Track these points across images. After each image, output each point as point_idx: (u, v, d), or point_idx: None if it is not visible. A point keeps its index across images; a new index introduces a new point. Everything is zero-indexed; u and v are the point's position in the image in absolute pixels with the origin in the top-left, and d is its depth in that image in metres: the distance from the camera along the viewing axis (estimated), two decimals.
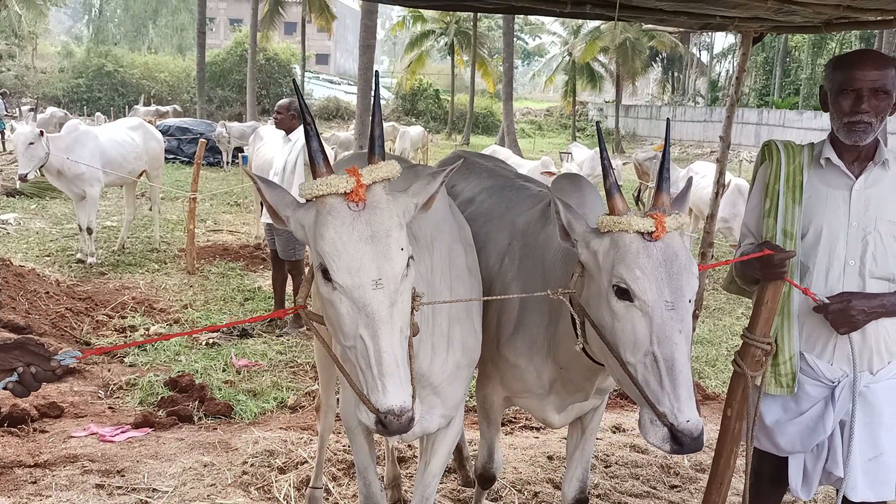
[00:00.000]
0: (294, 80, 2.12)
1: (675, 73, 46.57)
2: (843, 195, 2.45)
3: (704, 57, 48.32)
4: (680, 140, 35.00)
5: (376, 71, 2.51)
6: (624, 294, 1.98)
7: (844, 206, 2.45)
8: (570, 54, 37.30)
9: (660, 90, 47.40)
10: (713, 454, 2.57)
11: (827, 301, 2.37)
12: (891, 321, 2.44)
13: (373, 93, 1.94)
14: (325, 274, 1.75)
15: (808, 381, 2.50)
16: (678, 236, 2.05)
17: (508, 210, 2.99)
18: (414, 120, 35.96)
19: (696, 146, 33.04)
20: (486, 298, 2.56)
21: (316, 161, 1.81)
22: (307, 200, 1.83)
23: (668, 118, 2.46)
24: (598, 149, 2.20)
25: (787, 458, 2.60)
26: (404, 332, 1.79)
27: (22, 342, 1.76)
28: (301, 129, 6.44)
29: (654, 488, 4.03)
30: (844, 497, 2.56)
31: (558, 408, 2.76)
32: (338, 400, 3.05)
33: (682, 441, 1.90)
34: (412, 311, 1.92)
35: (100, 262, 8.56)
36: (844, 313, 2.35)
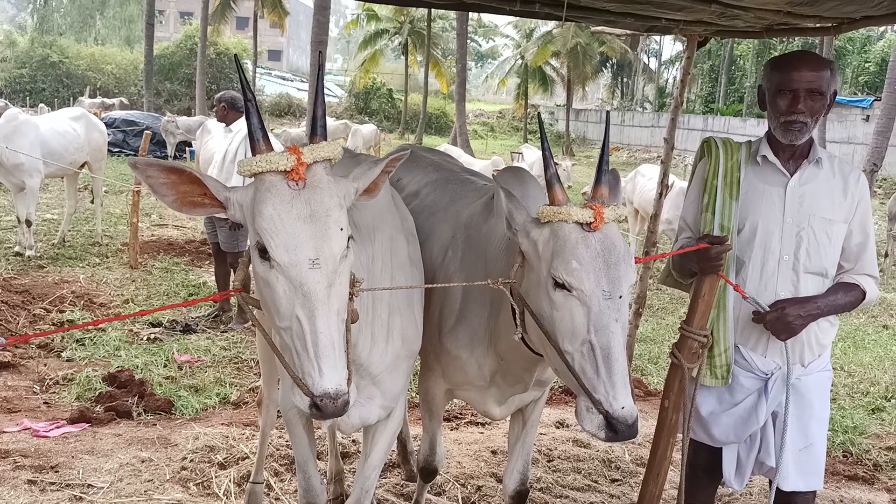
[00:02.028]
0: (236, 56, 2.10)
1: (625, 79, 47.35)
2: (779, 192, 2.53)
3: (653, 64, 49.31)
4: (628, 145, 35.58)
5: (320, 52, 2.48)
6: (562, 284, 2.01)
7: (779, 203, 2.52)
8: (522, 57, 37.61)
9: (609, 95, 48.08)
10: (651, 446, 2.61)
11: (766, 309, 2.44)
12: (821, 320, 2.52)
13: (318, 72, 1.92)
14: (262, 252, 1.73)
15: (742, 372, 2.57)
16: (616, 227, 2.08)
17: (453, 203, 3.00)
18: (367, 119, 35.79)
19: (644, 151, 33.63)
20: (426, 286, 2.57)
21: (256, 138, 1.79)
22: (246, 178, 1.81)
23: (607, 110, 2.51)
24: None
25: (722, 449, 2.66)
26: (341, 314, 1.78)
27: None
28: (241, 120, 6.44)
29: (596, 482, 4.08)
30: (777, 488, 2.64)
31: (499, 400, 2.78)
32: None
33: (617, 428, 1.93)
34: (351, 297, 1.91)
35: (39, 255, 8.30)
36: (782, 321, 2.42)
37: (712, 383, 2.58)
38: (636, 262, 2.16)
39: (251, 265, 1.86)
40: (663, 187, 5.82)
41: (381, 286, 2.30)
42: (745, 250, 2.54)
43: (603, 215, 2.03)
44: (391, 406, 2.51)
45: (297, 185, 1.75)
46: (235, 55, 2.09)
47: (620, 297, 2.00)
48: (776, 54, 2.53)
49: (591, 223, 2.03)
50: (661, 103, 41.54)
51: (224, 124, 6.57)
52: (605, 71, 44.52)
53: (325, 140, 1.85)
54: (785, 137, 2.50)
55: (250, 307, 1.96)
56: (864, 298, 2.56)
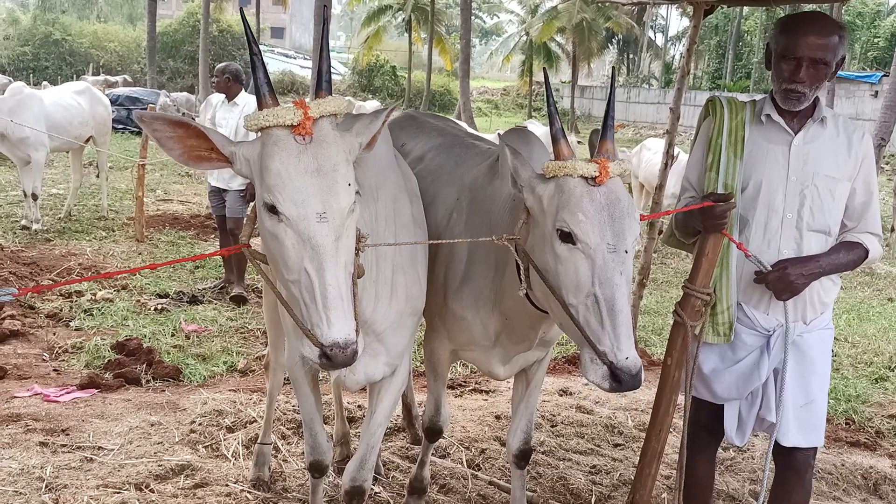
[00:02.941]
0: (241, 9, 2.10)
1: (630, 55, 46.97)
2: (783, 150, 2.53)
3: (659, 40, 48.87)
4: (633, 122, 35.37)
5: (325, 6, 2.48)
6: (567, 237, 2.03)
7: (783, 161, 2.52)
8: (527, 34, 37.30)
9: (616, 82, 47.62)
10: (654, 403, 2.64)
11: (768, 268, 2.45)
12: (823, 278, 2.53)
13: (323, 28, 1.93)
14: (270, 207, 1.75)
15: (744, 330, 2.59)
16: (621, 182, 2.10)
17: (457, 166, 3.02)
18: (370, 96, 35.59)
19: (650, 127, 33.44)
20: (430, 242, 2.59)
21: (262, 92, 1.80)
22: (254, 133, 1.82)
23: (612, 66, 2.51)
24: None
25: (723, 406, 2.69)
26: (348, 268, 1.81)
27: None
28: (244, 94, 6.43)
29: (598, 446, 4.13)
30: (776, 443, 2.67)
31: (503, 360, 2.81)
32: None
33: (621, 378, 1.96)
34: (357, 253, 1.93)
35: (45, 228, 8.35)
36: (783, 280, 2.43)
37: (714, 341, 2.60)
38: (641, 219, 2.18)
39: (258, 221, 1.88)
40: (668, 158, 5.82)
41: (384, 244, 2.32)
42: (749, 209, 2.55)
43: (608, 170, 2.05)
44: (396, 363, 2.54)
45: (303, 139, 1.77)
46: (241, 8, 2.10)
47: (626, 251, 2.02)
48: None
49: (596, 177, 2.04)
50: (667, 79, 41.22)
51: (225, 96, 6.52)
52: (610, 47, 44.18)
53: (331, 95, 1.86)
54: (784, 104, 2.50)
55: (258, 261, 1.98)
56: (866, 257, 2.56)
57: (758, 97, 2.68)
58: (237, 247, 2.01)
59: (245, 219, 2.08)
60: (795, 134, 2.53)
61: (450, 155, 3.14)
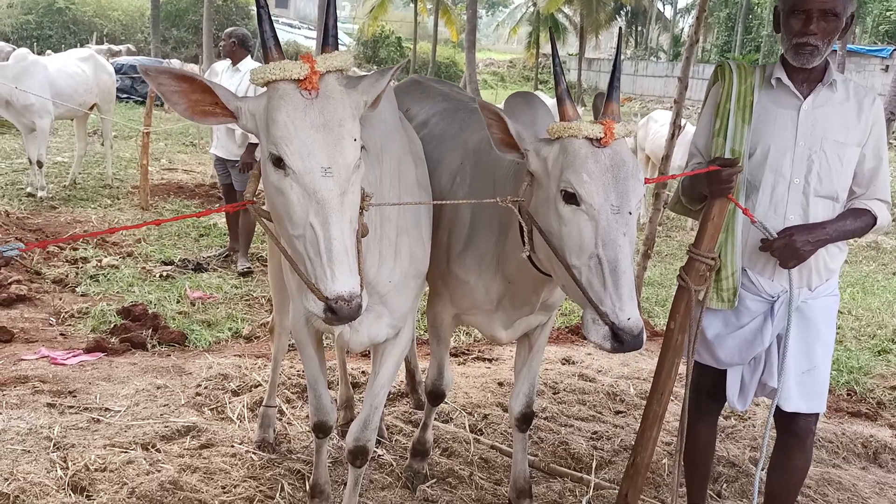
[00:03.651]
0: None
1: (639, 28, 46.44)
2: (791, 115, 2.51)
3: (668, 12, 48.27)
4: (640, 95, 35.11)
5: None
6: (571, 198, 2.03)
7: (792, 126, 2.51)
8: (534, 4, 36.89)
9: (623, 44, 47.20)
10: (656, 366, 2.65)
11: (774, 235, 2.44)
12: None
13: None
14: (276, 161, 1.75)
15: (748, 295, 2.59)
16: (626, 144, 2.09)
17: (461, 131, 3.01)
18: (375, 67, 35.36)
19: (657, 101, 33.19)
20: (434, 202, 2.59)
21: (268, 46, 1.79)
22: (261, 87, 1.82)
23: (619, 27, 2.49)
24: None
25: (726, 371, 2.70)
26: (353, 224, 1.81)
27: None
28: (248, 59, 6.38)
29: (600, 413, 4.16)
30: (778, 409, 2.69)
31: (505, 324, 2.82)
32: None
33: (622, 338, 1.96)
34: (361, 211, 1.93)
35: (51, 196, 8.36)
36: (790, 248, 2.42)
37: (718, 306, 2.60)
38: (646, 183, 2.17)
39: (263, 177, 1.88)
40: (675, 128, 5.79)
41: (389, 207, 2.33)
42: (756, 174, 2.54)
43: (613, 131, 2.04)
44: (399, 325, 2.56)
45: (310, 94, 1.76)
46: None
47: (630, 213, 2.02)
48: None
49: (601, 139, 2.03)
50: (675, 52, 40.81)
51: (230, 61, 6.48)
52: (618, 19, 43.64)
53: (337, 49, 1.85)
54: (796, 60, 2.47)
55: (262, 218, 1.98)
56: (874, 224, 2.55)
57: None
58: (242, 203, 2.01)
59: (250, 177, 2.08)
60: (805, 98, 2.51)
61: (454, 119, 3.12)
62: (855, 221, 2.51)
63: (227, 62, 6.47)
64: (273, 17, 1.86)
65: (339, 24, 1.92)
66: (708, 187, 2.44)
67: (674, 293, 2.58)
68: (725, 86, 2.59)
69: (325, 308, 1.73)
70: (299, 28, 43.36)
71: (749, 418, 4.16)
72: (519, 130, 2.19)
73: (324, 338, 2.79)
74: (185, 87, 1.81)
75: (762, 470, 2.69)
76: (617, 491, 2.72)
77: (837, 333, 5.85)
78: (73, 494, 2.88)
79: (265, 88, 1.82)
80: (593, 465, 3.48)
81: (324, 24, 1.87)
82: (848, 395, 4.87)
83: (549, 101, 15.16)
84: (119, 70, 17.79)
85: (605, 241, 1.99)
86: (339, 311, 1.72)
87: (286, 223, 1.80)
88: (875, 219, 2.53)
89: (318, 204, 1.72)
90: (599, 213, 1.99)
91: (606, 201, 2.00)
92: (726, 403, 2.78)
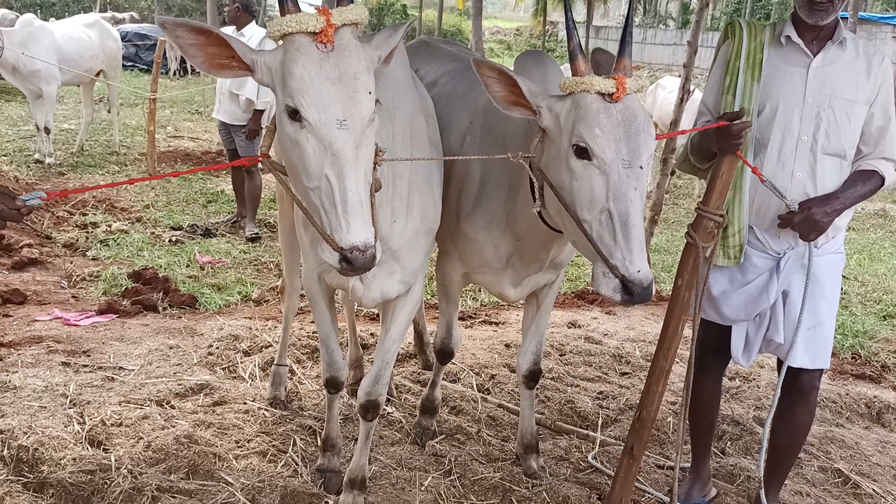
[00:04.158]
0: None
1: None
2: (801, 73, 2.51)
3: None
4: (649, 64, 34.74)
5: None
6: (583, 153, 2.05)
7: (801, 84, 2.51)
8: None
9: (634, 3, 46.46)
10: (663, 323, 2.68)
11: (783, 196, 2.46)
12: None
13: None
14: (292, 114, 1.77)
15: (754, 252, 2.61)
16: (637, 98, 2.10)
17: (470, 91, 3.01)
18: None
19: (666, 70, 32.85)
20: (446, 158, 2.60)
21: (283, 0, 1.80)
22: (276, 41, 1.83)
23: None
24: (567, 66, 2.21)
25: (731, 327, 2.74)
26: (368, 177, 1.84)
27: None
28: (253, 25, 6.35)
29: (606, 374, 4.21)
30: (783, 366, 2.73)
31: (514, 282, 2.85)
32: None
33: (632, 290, 1.99)
34: (374, 167, 1.96)
35: (58, 162, 8.39)
36: (809, 221, 2.44)
37: (725, 263, 2.62)
38: (657, 138, 2.18)
39: (278, 130, 1.90)
40: (684, 92, 5.76)
41: (401, 164, 2.35)
42: (765, 132, 2.55)
43: (625, 86, 2.05)
44: (410, 282, 2.59)
45: (325, 47, 1.78)
46: None
47: (641, 167, 2.04)
48: None
49: (612, 94, 2.04)
50: (684, 20, 40.30)
51: (235, 27, 6.45)
52: None
53: (353, 3, 1.86)
54: (810, 17, 2.46)
55: (277, 172, 2.01)
56: (882, 184, 2.58)
57: None
58: (256, 157, 2.04)
59: (265, 131, 2.10)
60: (814, 56, 2.51)
61: (463, 79, 3.12)
62: (865, 185, 2.54)
63: (232, 28, 6.43)
64: None
65: None
66: (717, 143, 2.45)
67: (679, 258, 2.60)
68: (735, 43, 2.59)
69: (341, 258, 1.77)
70: None
71: (753, 379, 4.20)
72: (531, 88, 2.20)
73: (335, 294, 2.83)
74: (202, 40, 1.83)
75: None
76: (622, 447, 2.77)
77: (843, 298, 5.90)
78: (90, 448, 2.94)
79: (280, 42, 1.84)
80: (599, 423, 3.53)
81: None
82: (853, 358, 4.91)
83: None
84: (124, 38, 17.67)
85: (616, 195, 2.01)
86: (355, 261, 1.75)
87: (302, 175, 1.82)
88: (883, 179, 2.56)
89: (334, 156, 1.75)
90: (611, 168, 2.01)
91: (618, 155, 2.01)
92: (731, 360, 2.83)
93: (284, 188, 2.03)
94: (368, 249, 1.76)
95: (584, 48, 2.15)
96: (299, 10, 1.81)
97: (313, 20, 1.78)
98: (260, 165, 6.92)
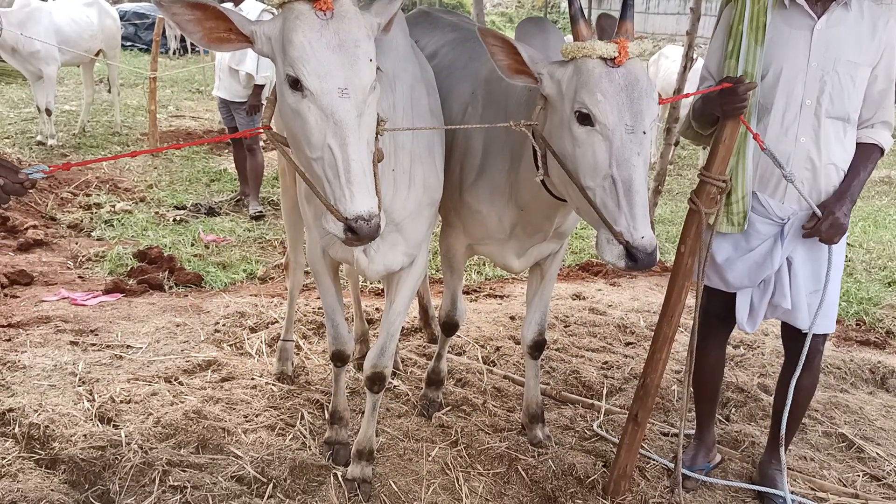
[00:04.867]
0: None
1: None
2: (805, 35, 2.48)
3: None
4: (652, 34, 34.41)
5: None
6: (585, 119, 2.04)
7: (805, 47, 2.48)
8: None
9: None
10: (666, 289, 2.69)
11: (794, 178, 2.44)
12: (839, 165, 2.53)
13: None
14: (293, 84, 1.76)
15: (758, 219, 2.61)
16: (640, 63, 2.08)
17: (471, 60, 2.99)
18: None
19: (669, 40, 32.55)
20: (448, 128, 2.60)
21: None
22: (276, 8, 1.82)
23: None
24: (569, 37, 2.19)
25: (735, 294, 2.74)
26: (370, 146, 1.83)
27: None
28: (250, 0, 6.29)
29: (610, 345, 4.22)
30: (786, 329, 2.73)
31: (518, 252, 2.85)
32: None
33: (636, 256, 1.99)
34: (376, 136, 1.95)
35: (61, 144, 8.38)
36: (835, 225, 2.47)
37: (728, 230, 2.62)
38: (660, 103, 2.17)
39: (279, 101, 1.89)
40: (687, 60, 5.72)
41: (403, 135, 2.34)
42: (768, 96, 2.53)
43: (627, 50, 2.03)
44: (414, 253, 2.59)
45: (325, 14, 1.77)
46: None
47: (644, 132, 2.02)
48: None
49: (614, 58, 2.03)
50: None
51: (232, 3, 6.39)
52: None
53: None
54: None
55: (279, 143, 2.00)
56: (882, 154, 2.59)
57: None
58: (257, 129, 2.03)
59: (265, 102, 2.10)
60: (818, 18, 2.48)
61: (464, 49, 3.10)
62: (868, 166, 2.56)
63: (230, 4, 6.37)
64: None
65: None
66: (720, 107, 2.43)
67: (686, 216, 2.60)
68: (738, 7, 2.56)
69: (345, 228, 1.77)
70: None
71: (758, 347, 4.21)
72: (532, 55, 2.18)
73: (339, 268, 2.84)
74: (198, 14, 1.82)
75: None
76: (627, 415, 2.79)
77: (848, 265, 5.89)
78: (100, 424, 2.97)
79: (279, 12, 1.83)
80: (604, 393, 3.55)
81: None
82: (857, 325, 4.91)
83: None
84: (122, 17, 17.56)
85: (619, 160, 2.00)
86: (360, 231, 1.75)
87: (304, 146, 1.82)
88: (882, 150, 2.58)
89: (336, 125, 1.74)
90: (613, 133, 2.00)
91: (620, 121, 2.00)
92: (735, 327, 2.83)
93: (287, 160, 2.03)
94: (373, 219, 1.76)
95: (585, 13, 2.13)
96: None
97: None
98: (262, 142, 6.91)
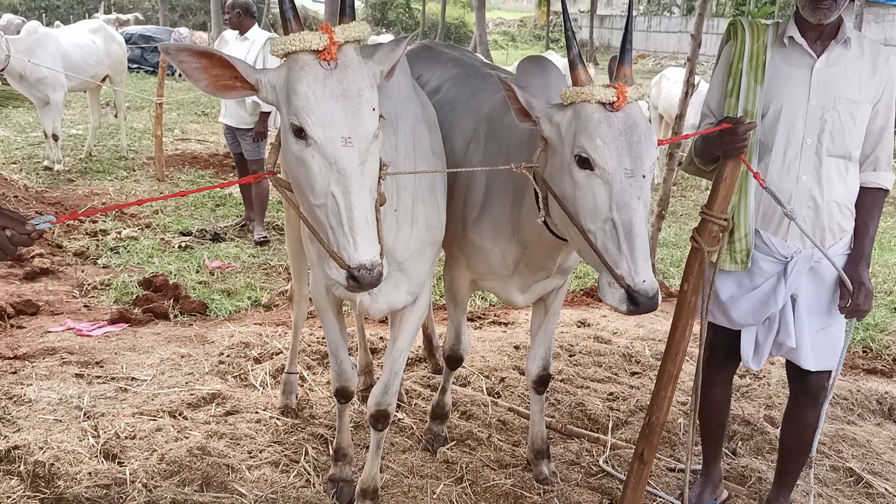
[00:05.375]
0: None
1: None
2: (804, 74, 2.50)
3: None
4: (654, 52, 34.59)
5: None
6: (585, 163, 2.05)
7: (805, 85, 2.49)
8: None
9: (634, 4, 46.21)
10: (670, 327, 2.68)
11: (782, 202, 2.44)
12: (841, 202, 2.54)
13: None
14: (297, 132, 1.78)
15: (762, 257, 2.61)
16: (638, 107, 2.10)
17: (474, 97, 3.01)
18: (384, 30, 34.99)
19: (671, 58, 32.67)
20: (450, 171, 2.61)
21: (287, 17, 1.81)
22: (280, 58, 1.84)
23: None
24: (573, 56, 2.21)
25: (740, 331, 2.73)
26: (373, 193, 1.85)
27: None
28: (256, 28, 6.37)
29: (616, 374, 4.21)
30: (791, 366, 2.73)
31: (522, 288, 2.86)
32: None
33: (638, 300, 2.00)
34: (379, 181, 1.97)
35: (67, 169, 8.44)
36: (868, 296, 2.52)
37: (732, 268, 2.62)
38: (659, 144, 2.18)
39: (283, 148, 1.91)
40: (689, 86, 5.74)
41: (405, 176, 2.35)
42: (769, 135, 2.54)
43: (625, 94, 2.05)
44: (417, 292, 2.60)
45: (329, 64, 1.79)
46: None
47: (643, 176, 2.04)
48: None
49: (613, 102, 2.04)
50: (689, 7, 39.96)
51: (238, 32, 6.46)
52: None
53: (355, 20, 1.87)
54: (813, 16, 2.44)
55: (283, 189, 2.02)
56: (887, 194, 2.60)
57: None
58: (262, 174, 2.05)
59: (269, 148, 2.12)
60: (818, 57, 2.49)
61: (466, 85, 3.13)
62: (875, 216, 2.59)
63: (235, 33, 6.44)
64: None
65: None
66: (720, 147, 2.43)
67: (687, 253, 2.60)
68: (738, 45, 2.58)
69: (348, 276, 1.78)
70: None
71: (764, 377, 4.19)
72: (528, 99, 2.20)
73: (343, 304, 2.84)
74: (205, 62, 1.84)
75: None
76: (633, 450, 2.77)
77: None
78: (105, 461, 2.97)
79: (284, 60, 1.85)
80: (610, 426, 3.54)
81: None
82: (864, 352, 4.89)
83: (562, 61, 14.99)
84: (128, 40, 17.74)
85: (619, 204, 2.01)
86: (362, 280, 1.77)
87: (307, 193, 1.83)
88: (887, 191, 2.60)
89: (339, 173, 1.76)
90: (613, 178, 2.01)
91: (620, 165, 2.01)
92: (741, 362, 2.83)
93: (290, 205, 2.04)
94: (375, 268, 1.77)
95: (583, 58, 2.15)
96: (302, 29, 1.82)
97: (316, 38, 1.78)
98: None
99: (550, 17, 38.02)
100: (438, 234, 2.58)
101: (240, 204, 7.40)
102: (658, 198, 6.08)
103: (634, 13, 2.31)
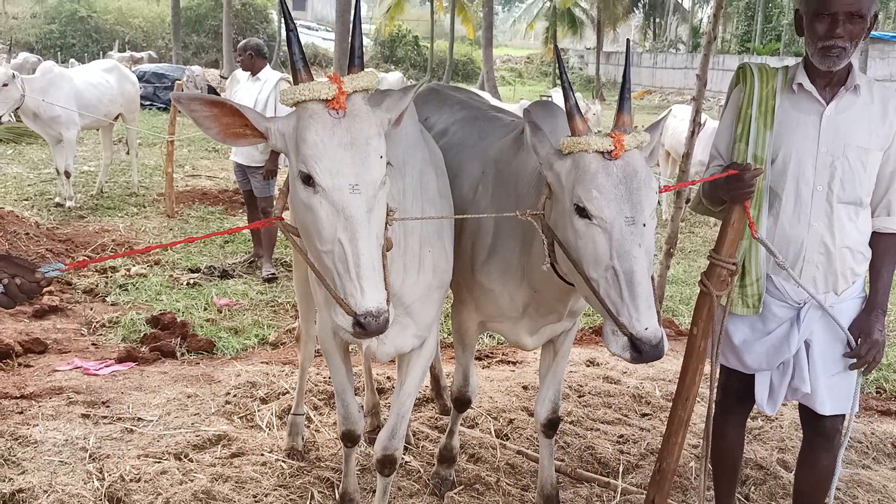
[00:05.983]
0: None
1: (657, 19, 46.02)
2: (814, 121, 2.49)
3: (686, 2, 47.81)
4: (660, 88, 34.89)
5: None
6: (584, 212, 2.05)
7: (814, 132, 2.49)
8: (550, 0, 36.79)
9: (641, 37, 46.87)
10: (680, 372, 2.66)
11: (777, 254, 2.44)
12: (854, 247, 2.52)
13: (355, 3, 1.95)
14: (306, 179, 1.80)
15: (774, 302, 2.59)
16: (638, 153, 2.11)
17: (481, 140, 3.03)
18: (393, 67, 35.47)
19: (677, 93, 32.94)
20: (457, 217, 2.62)
21: (297, 67, 1.84)
22: (289, 107, 1.87)
23: (627, 38, 2.50)
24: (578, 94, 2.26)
25: (754, 375, 2.70)
26: (380, 239, 1.86)
27: (5, 255, 1.80)
28: (268, 68, 6.46)
29: (626, 416, 4.16)
30: (805, 410, 2.69)
31: (531, 331, 2.84)
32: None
33: (641, 349, 1.98)
34: (386, 226, 1.98)
35: (79, 205, 8.51)
36: (876, 347, 2.50)
37: (744, 312, 2.60)
38: (666, 190, 2.19)
39: (291, 194, 1.93)
40: (695, 125, 5.76)
41: (412, 218, 2.36)
42: (779, 182, 2.53)
43: (623, 143, 2.06)
44: (424, 335, 2.59)
45: (337, 113, 1.81)
46: None
47: (644, 224, 2.03)
48: None
49: (611, 151, 2.05)
50: (694, 44, 40.38)
51: (250, 73, 6.56)
52: (636, 11, 43.30)
53: (363, 70, 1.90)
54: (823, 64, 2.45)
55: (290, 234, 2.03)
56: None
57: (789, 61, 2.64)
58: (270, 220, 2.06)
59: (277, 193, 2.13)
60: (827, 104, 2.49)
61: (473, 128, 3.15)
62: (889, 264, 2.56)
63: (247, 74, 6.55)
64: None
65: None
66: (727, 192, 2.44)
67: (697, 291, 2.59)
68: (747, 90, 2.59)
69: (354, 323, 1.78)
70: (317, 30, 43.58)
71: (776, 419, 4.14)
72: (535, 143, 2.22)
73: (350, 346, 2.83)
74: (216, 111, 1.87)
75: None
76: (644, 496, 2.73)
77: None
78: None
79: (294, 108, 1.87)
80: (620, 470, 3.49)
81: (350, 45, 1.91)
82: (877, 392, 4.83)
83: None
84: (141, 78, 18.02)
85: (619, 253, 2.00)
86: (368, 326, 1.77)
87: (315, 239, 1.84)
88: None
89: (347, 220, 1.77)
90: (612, 226, 2.01)
91: (619, 214, 2.01)
92: (754, 405, 2.79)
93: (297, 251, 2.05)
94: (382, 314, 1.77)
95: (580, 108, 2.17)
96: (312, 78, 1.84)
97: (325, 88, 1.81)
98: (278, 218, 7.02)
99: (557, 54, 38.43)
100: (446, 277, 2.58)
101: (248, 240, 7.43)
102: (667, 235, 6.07)
103: (640, 49, 2.33)
